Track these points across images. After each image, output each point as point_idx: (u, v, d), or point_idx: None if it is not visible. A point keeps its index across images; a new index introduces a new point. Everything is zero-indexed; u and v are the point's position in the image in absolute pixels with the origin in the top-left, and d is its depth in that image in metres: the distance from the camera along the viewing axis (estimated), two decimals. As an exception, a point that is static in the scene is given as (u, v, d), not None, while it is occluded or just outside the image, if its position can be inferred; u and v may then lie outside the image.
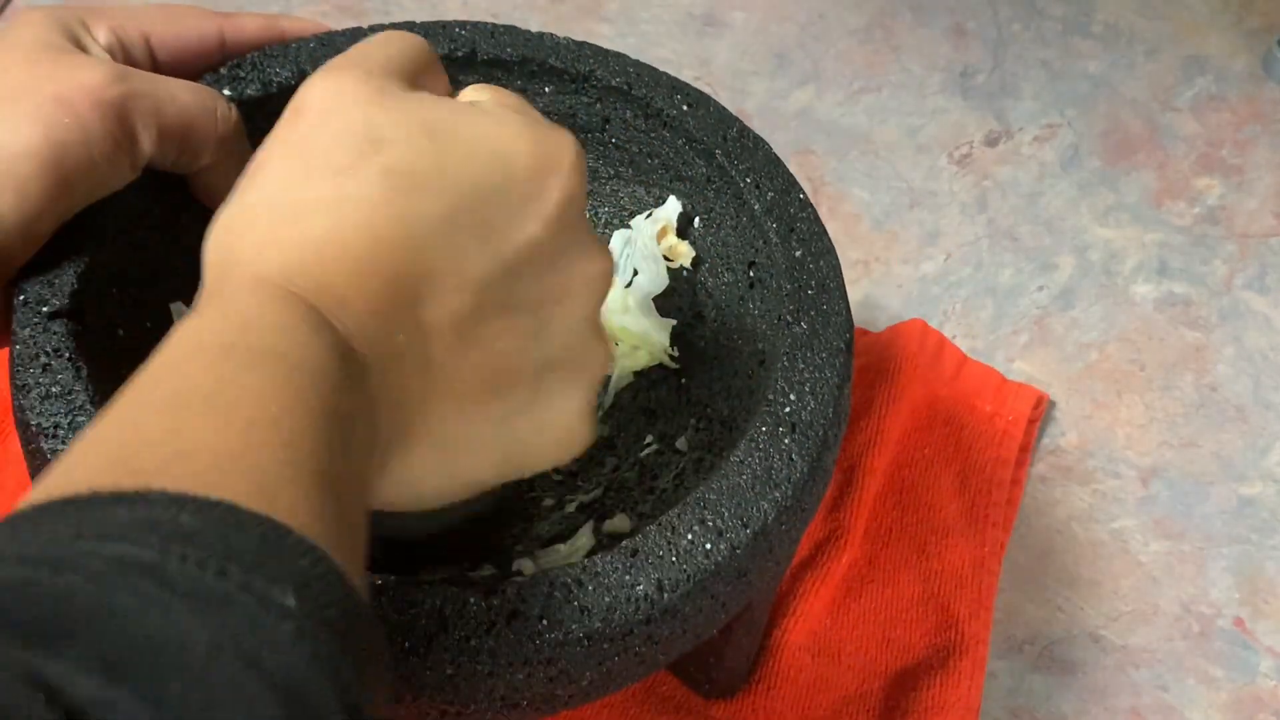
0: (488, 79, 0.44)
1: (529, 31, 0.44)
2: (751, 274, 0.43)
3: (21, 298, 0.34)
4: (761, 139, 0.42)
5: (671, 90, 0.43)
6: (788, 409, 0.35)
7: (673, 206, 0.45)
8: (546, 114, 0.45)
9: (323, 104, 0.27)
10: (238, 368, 0.22)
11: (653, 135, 0.44)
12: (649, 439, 0.44)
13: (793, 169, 0.43)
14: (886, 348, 0.61)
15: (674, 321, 0.46)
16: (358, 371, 0.24)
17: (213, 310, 0.24)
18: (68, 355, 0.33)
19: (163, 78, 0.36)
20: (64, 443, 0.32)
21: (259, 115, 0.39)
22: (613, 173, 0.47)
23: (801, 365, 0.36)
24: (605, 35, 0.76)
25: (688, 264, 0.46)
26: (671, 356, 0.45)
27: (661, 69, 0.44)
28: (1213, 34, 0.80)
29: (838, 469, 0.56)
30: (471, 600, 0.30)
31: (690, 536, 0.32)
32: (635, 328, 0.45)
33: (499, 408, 0.28)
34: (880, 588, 0.54)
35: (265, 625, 0.17)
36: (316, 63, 0.41)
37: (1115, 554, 0.57)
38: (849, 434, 0.57)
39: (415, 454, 0.27)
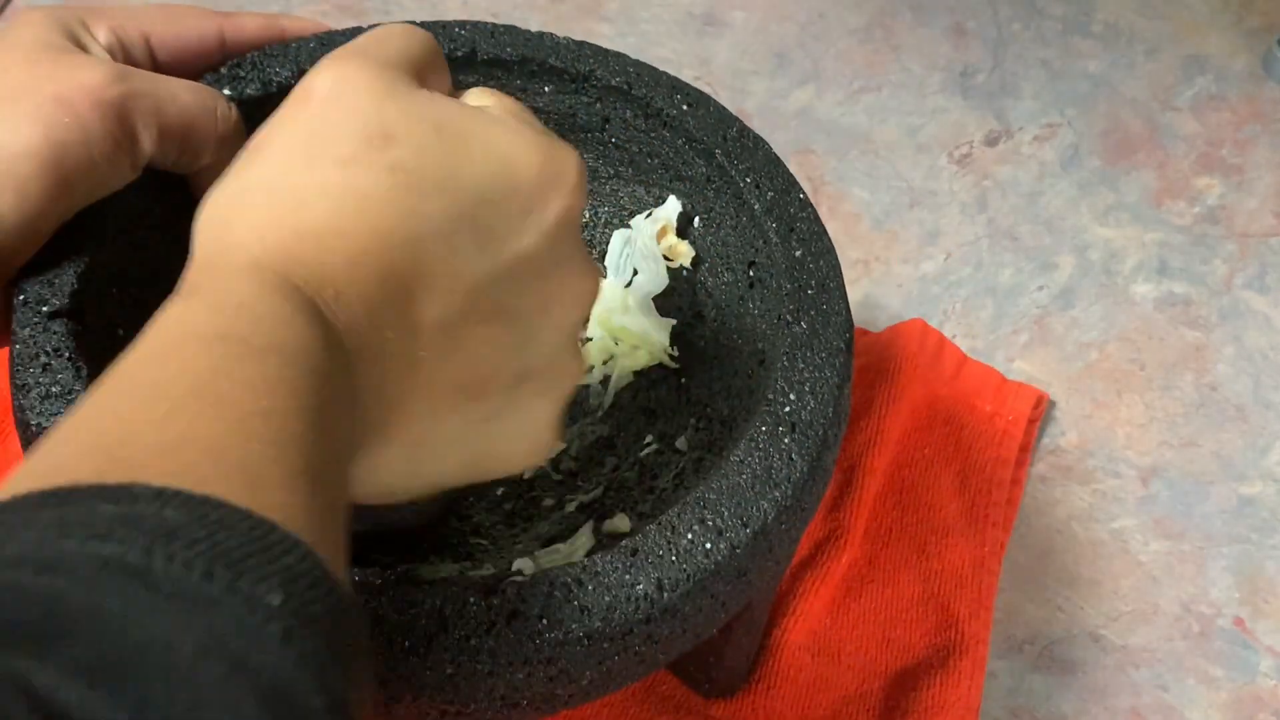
0: (488, 79, 0.44)
1: (529, 31, 0.44)
2: (751, 274, 0.43)
3: (21, 298, 0.34)
4: (761, 139, 0.42)
5: (671, 90, 0.43)
6: (788, 409, 0.35)
7: (672, 206, 0.45)
8: (546, 114, 0.45)
9: (331, 91, 0.26)
10: (230, 358, 0.21)
11: (653, 135, 0.44)
12: (649, 439, 0.44)
13: (793, 169, 0.43)
14: (886, 348, 0.61)
15: (674, 321, 0.46)
16: (346, 364, 0.24)
17: (204, 295, 0.24)
18: (68, 355, 0.33)
19: (163, 77, 0.36)
20: (64, 442, 0.32)
21: (259, 115, 0.39)
22: (613, 172, 0.47)
23: (801, 365, 0.36)
24: (605, 35, 0.76)
25: (688, 264, 0.46)
26: (671, 356, 0.45)
27: (661, 69, 0.44)
28: (1213, 34, 0.80)
29: (838, 469, 0.56)
30: (471, 600, 0.30)
31: (690, 536, 0.32)
32: (635, 327, 0.45)
33: (473, 411, 0.28)
34: (880, 587, 0.54)
35: (252, 627, 0.17)
36: (316, 62, 0.41)
37: (1115, 554, 0.57)
38: (849, 434, 0.57)
39: (388, 449, 0.27)
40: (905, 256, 0.67)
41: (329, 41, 0.42)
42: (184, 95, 0.36)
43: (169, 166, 0.37)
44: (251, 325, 0.22)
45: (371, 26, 0.43)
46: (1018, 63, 0.77)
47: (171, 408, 0.20)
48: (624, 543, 0.32)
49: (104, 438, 0.20)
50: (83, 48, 0.36)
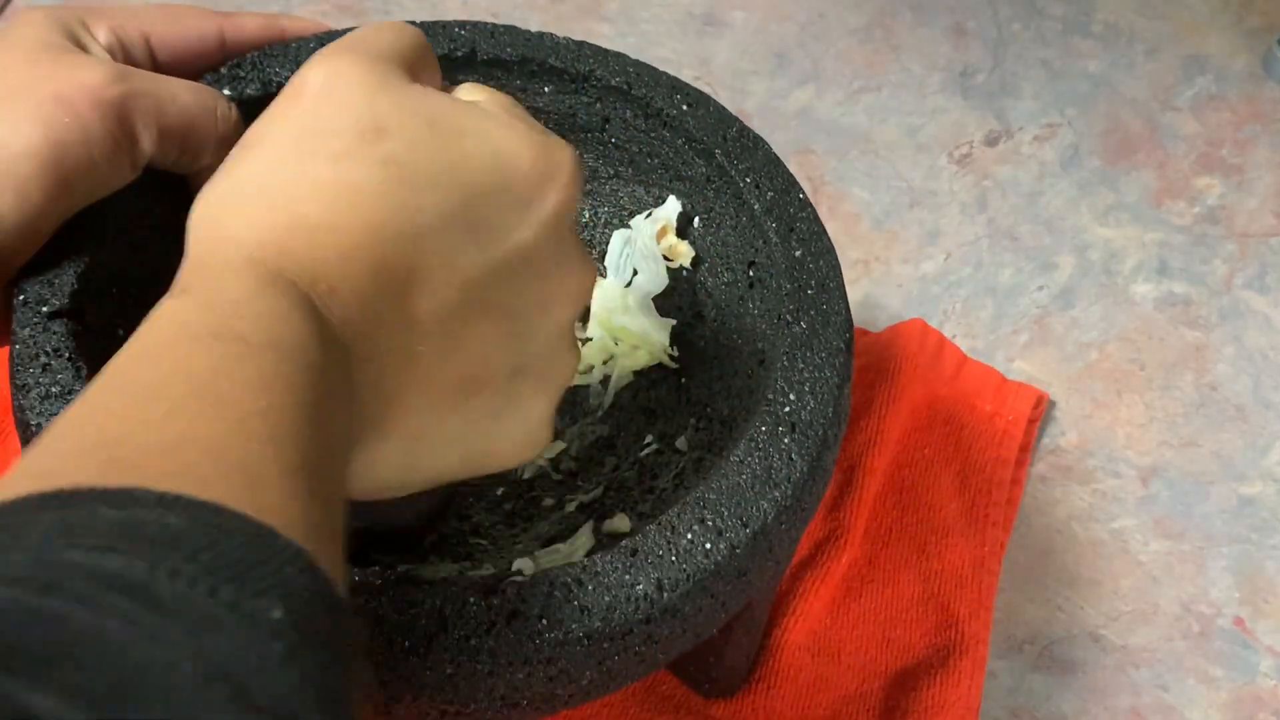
0: (487, 79, 0.44)
1: (529, 31, 0.44)
2: (751, 274, 0.43)
3: (21, 298, 0.34)
4: (761, 139, 0.42)
5: (671, 90, 0.43)
6: (787, 409, 0.35)
7: (672, 206, 0.45)
8: (546, 114, 0.45)
9: (323, 86, 0.26)
10: (227, 357, 0.21)
11: (653, 135, 0.44)
12: (649, 439, 0.44)
13: (793, 169, 0.43)
14: (886, 348, 0.61)
15: (674, 321, 0.46)
16: (342, 359, 0.24)
17: (198, 292, 0.23)
18: (68, 355, 0.33)
19: (163, 77, 0.36)
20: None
21: (258, 115, 0.39)
22: (612, 172, 0.47)
23: (801, 365, 0.36)
24: (605, 35, 0.76)
25: (687, 264, 0.46)
26: (671, 356, 0.45)
27: (661, 69, 0.44)
28: (1213, 34, 0.80)
29: (838, 469, 0.56)
30: (471, 600, 0.30)
31: (690, 536, 0.32)
32: (635, 327, 0.45)
33: (469, 407, 0.28)
34: (880, 587, 0.54)
35: (255, 646, 0.17)
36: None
37: (1115, 554, 0.57)
38: (849, 434, 0.57)
39: (384, 444, 0.27)
40: (905, 256, 0.67)
41: (329, 41, 0.42)
42: (184, 95, 0.36)
43: (169, 166, 0.37)
44: (247, 322, 0.22)
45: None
46: (1018, 63, 0.77)
47: (171, 407, 0.20)
48: (624, 543, 0.32)
49: (103, 436, 0.20)
50: (83, 48, 0.36)
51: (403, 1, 0.77)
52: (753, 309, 0.43)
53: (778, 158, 0.42)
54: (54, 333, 0.34)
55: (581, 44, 0.44)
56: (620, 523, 0.40)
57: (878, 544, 0.55)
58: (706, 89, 0.73)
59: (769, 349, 0.40)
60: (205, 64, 0.40)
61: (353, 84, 0.26)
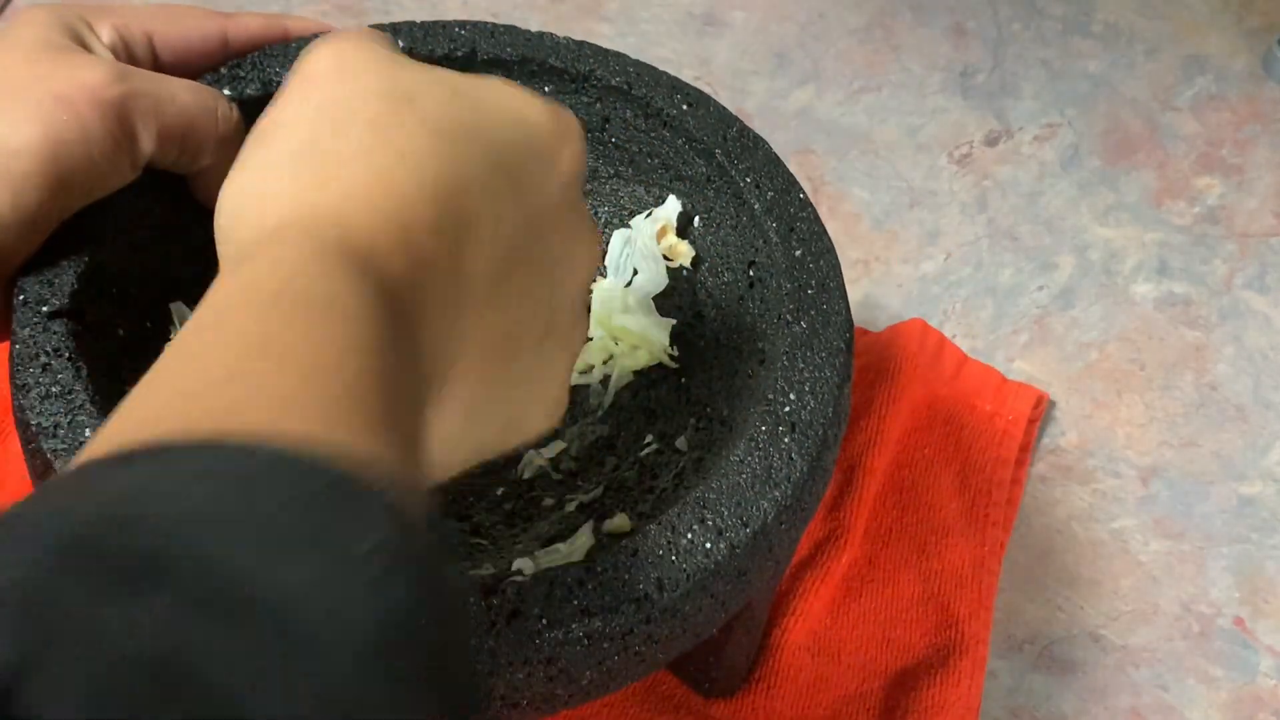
0: (488, 79, 0.44)
1: (529, 31, 0.44)
2: (751, 274, 0.43)
3: (21, 297, 0.34)
4: (761, 139, 0.42)
5: (671, 90, 0.43)
6: (788, 408, 0.35)
7: (672, 206, 0.45)
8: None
9: (334, 66, 0.26)
10: (289, 315, 0.21)
11: (653, 135, 0.44)
12: (649, 438, 0.44)
13: (793, 169, 0.43)
14: (886, 347, 0.61)
15: (674, 321, 0.46)
16: (406, 323, 0.23)
17: (252, 265, 0.23)
18: (68, 355, 0.33)
19: (164, 77, 0.36)
20: (64, 442, 0.32)
21: (259, 115, 0.39)
22: (613, 172, 0.47)
23: (801, 365, 0.36)
24: (605, 35, 0.76)
25: (688, 264, 0.46)
26: (671, 356, 0.45)
27: (661, 69, 0.44)
28: (1213, 34, 0.80)
29: (838, 469, 0.56)
30: (471, 600, 0.30)
31: (690, 536, 0.32)
32: (635, 327, 0.45)
33: (510, 371, 0.28)
34: (880, 587, 0.54)
35: (347, 572, 0.16)
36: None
37: (1115, 554, 0.57)
38: (849, 434, 0.57)
39: (443, 418, 0.26)
40: (905, 256, 0.67)
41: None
42: (184, 95, 0.36)
43: (169, 166, 0.37)
44: (307, 284, 0.22)
45: (372, 26, 0.43)
46: (1018, 63, 0.77)
47: (236, 369, 0.20)
48: (624, 543, 0.32)
49: (170, 404, 0.19)
50: (85, 46, 0.36)
51: (403, 1, 0.77)
52: (753, 309, 0.43)
53: (778, 158, 0.42)
54: (54, 333, 0.34)
55: (581, 44, 0.44)
56: (620, 523, 0.40)
57: (878, 544, 0.55)
58: (706, 89, 0.73)
59: (769, 349, 0.40)
60: (207, 64, 0.40)
61: (366, 60, 0.26)
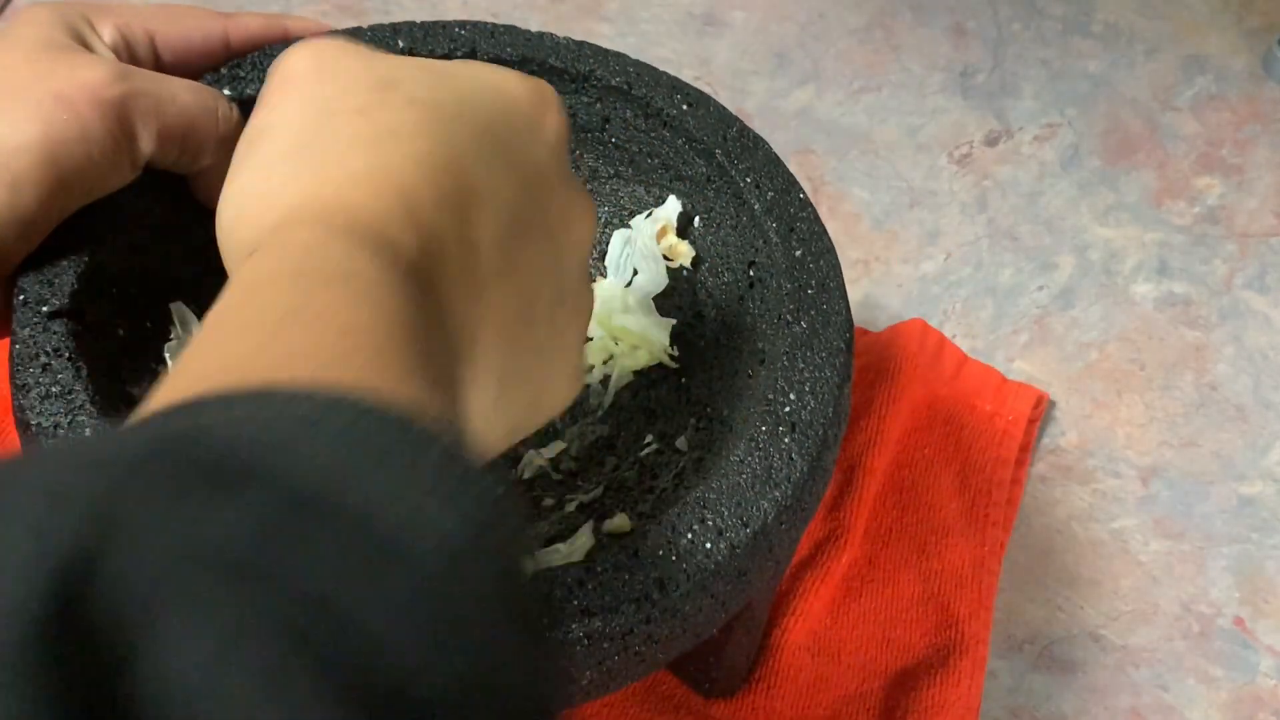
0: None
1: (529, 31, 0.44)
2: (751, 274, 0.43)
3: (21, 297, 0.34)
4: (761, 139, 0.42)
5: (671, 90, 0.43)
6: (788, 408, 0.35)
7: (673, 206, 0.45)
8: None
9: (313, 65, 0.27)
10: (312, 288, 0.21)
11: (653, 135, 0.44)
12: (649, 439, 0.44)
13: (793, 169, 0.43)
14: (886, 347, 0.61)
15: (674, 321, 0.46)
16: (425, 295, 0.24)
17: (265, 254, 0.23)
18: (68, 355, 0.33)
19: (165, 77, 0.36)
20: (64, 442, 0.32)
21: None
22: (613, 172, 0.47)
23: (801, 365, 0.36)
24: (605, 35, 0.76)
25: (688, 264, 0.46)
26: (671, 356, 0.45)
27: (661, 69, 0.44)
28: (1213, 34, 0.80)
29: (838, 469, 0.56)
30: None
31: (690, 536, 0.32)
32: (635, 327, 0.45)
33: (530, 342, 0.28)
34: (880, 587, 0.54)
35: (422, 483, 0.16)
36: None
37: (1115, 554, 0.57)
38: (849, 434, 0.57)
39: (476, 395, 0.26)
40: (905, 256, 0.67)
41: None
42: (184, 95, 0.36)
43: (169, 167, 0.37)
44: (323, 262, 0.22)
45: (371, 27, 0.43)
46: (1018, 63, 0.77)
47: (273, 335, 0.20)
48: (624, 543, 0.32)
49: (215, 367, 0.19)
50: (87, 46, 0.36)
51: (403, 2, 0.77)
52: (753, 309, 0.43)
53: (778, 158, 0.42)
54: (54, 333, 0.34)
55: (581, 44, 0.44)
56: (620, 523, 0.40)
57: (878, 544, 0.55)
58: (706, 89, 0.73)
59: (769, 349, 0.40)
60: (208, 64, 0.40)
61: (341, 56, 0.27)
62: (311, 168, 0.25)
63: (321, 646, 0.13)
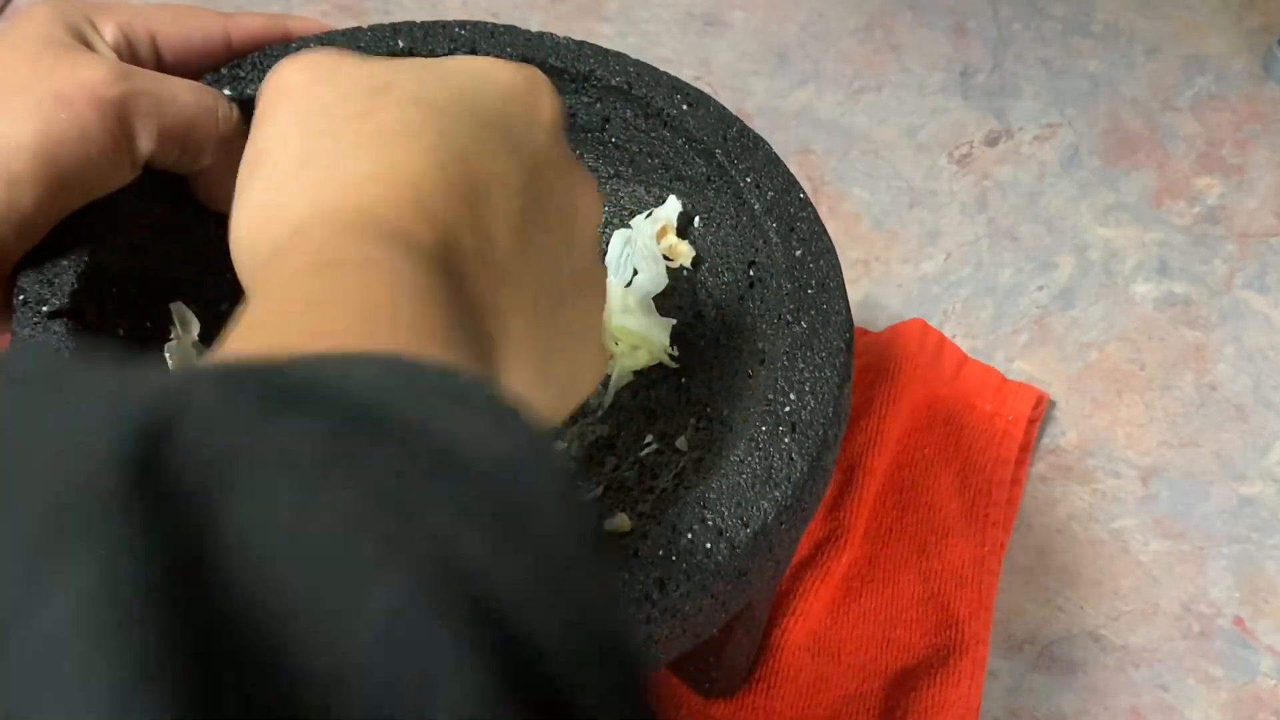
0: (488, 79, 0.44)
1: (529, 31, 0.44)
2: (751, 273, 0.43)
3: (21, 297, 0.34)
4: (761, 138, 0.42)
5: (671, 90, 0.43)
6: (788, 408, 0.35)
7: (673, 206, 0.45)
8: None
9: (307, 77, 0.27)
10: (333, 276, 0.21)
11: (653, 135, 0.44)
12: (649, 438, 0.44)
13: (793, 169, 0.43)
14: (886, 347, 0.61)
15: (674, 321, 0.46)
16: (448, 283, 0.24)
17: (283, 256, 0.23)
18: (67, 355, 0.33)
19: (165, 77, 0.36)
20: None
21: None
22: (613, 172, 0.47)
23: (801, 365, 0.36)
24: (605, 35, 0.76)
25: (688, 264, 0.46)
26: (671, 356, 0.45)
27: (661, 69, 0.44)
28: (1213, 34, 0.80)
29: (838, 469, 0.56)
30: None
31: (690, 536, 0.32)
32: (635, 327, 0.45)
33: (554, 327, 0.28)
34: (880, 587, 0.54)
35: (494, 426, 0.16)
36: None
37: (1115, 554, 0.57)
38: (849, 434, 0.57)
39: (512, 382, 0.26)
40: (905, 256, 0.67)
41: (329, 41, 0.42)
42: (184, 95, 0.36)
43: (169, 167, 0.37)
44: (341, 251, 0.22)
45: (371, 27, 0.43)
46: (1018, 63, 0.77)
47: (304, 320, 0.20)
48: (624, 543, 0.32)
49: (264, 344, 0.19)
50: (88, 45, 0.36)
51: (403, 2, 0.77)
52: (753, 309, 0.43)
53: (778, 157, 0.42)
54: (54, 333, 0.34)
55: (581, 44, 0.44)
56: (620, 523, 0.40)
57: (878, 544, 0.55)
58: (706, 89, 0.73)
59: (769, 349, 0.40)
60: (209, 64, 0.40)
61: (334, 64, 0.27)
62: (319, 176, 0.25)
63: (389, 529, 0.14)
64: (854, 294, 0.65)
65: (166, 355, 0.40)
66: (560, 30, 0.46)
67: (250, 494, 0.13)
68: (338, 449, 0.14)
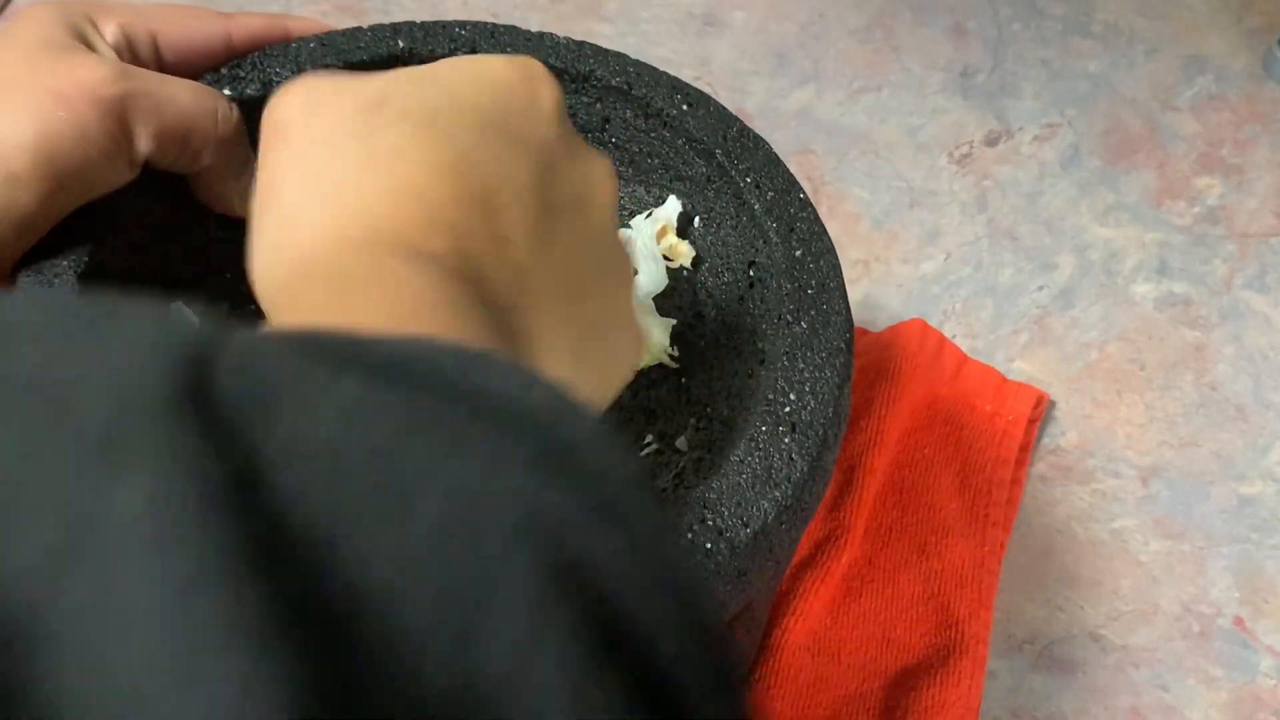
0: (488, 79, 0.44)
1: (529, 31, 0.44)
2: (751, 274, 0.43)
3: (22, 297, 0.34)
4: (761, 139, 0.42)
5: (671, 90, 0.43)
6: (788, 409, 0.35)
7: (673, 206, 0.45)
8: (546, 114, 0.45)
9: (301, 108, 0.27)
10: (357, 294, 0.21)
11: (653, 135, 0.44)
12: (649, 439, 0.44)
13: (793, 169, 0.43)
14: (886, 348, 0.61)
15: (674, 321, 0.46)
16: (469, 291, 0.24)
17: (300, 281, 0.23)
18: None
19: (165, 77, 0.36)
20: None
21: (258, 115, 0.39)
22: (613, 172, 0.47)
23: (801, 365, 0.36)
24: (605, 35, 0.76)
25: (688, 264, 0.46)
26: (671, 356, 0.45)
27: (661, 69, 0.44)
28: (1213, 34, 0.80)
29: (838, 469, 0.56)
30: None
31: (690, 536, 0.32)
32: (635, 327, 0.46)
33: (588, 313, 0.28)
34: (880, 587, 0.54)
35: (539, 389, 0.17)
36: (316, 62, 0.41)
37: (1115, 554, 0.57)
38: (849, 434, 0.57)
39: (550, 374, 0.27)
40: (905, 256, 0.67)
41: (329, 42, 0.42)
42: (183, 96, 0.36)
43: (168, 167, 0.37)
44: (364, 272, 0.22)
45: (372, 27, 0.43)
46: (1018, 63, 0.77)
47: (335, 317, 0.20)
48: (624, 542, 0.32)
49: None
50: (89, 45, 0.36)
51: (403, 2, 0.77)
52: (753, 309, 0.43)
53: (778, 158, 0.42)
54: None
55: (581, 44, 0.44)
56: (620, 523, 0.40)
57: (878, 544, 0.55)
58: (706, 89, 0.73)
59: (769, 349, 0.40)
60: (210, 64, 0.40)
61: (326, 91, 0.27)
62: (327, 207, 0.25)
63: (437, 440, 0.14)
64: (854, 294, 0.65)
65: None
66: (560, 30, 0.46)
67: (296, 409, 0.14)
68: (375, 386, 0.15)
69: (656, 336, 0.45)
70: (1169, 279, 0.67)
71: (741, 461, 0.33)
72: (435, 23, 0.43)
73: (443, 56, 0.42)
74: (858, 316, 0.64)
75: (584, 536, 0.14)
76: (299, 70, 0.41)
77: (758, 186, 0.41)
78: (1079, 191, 0.71)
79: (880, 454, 0.57)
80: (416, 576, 0.13)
